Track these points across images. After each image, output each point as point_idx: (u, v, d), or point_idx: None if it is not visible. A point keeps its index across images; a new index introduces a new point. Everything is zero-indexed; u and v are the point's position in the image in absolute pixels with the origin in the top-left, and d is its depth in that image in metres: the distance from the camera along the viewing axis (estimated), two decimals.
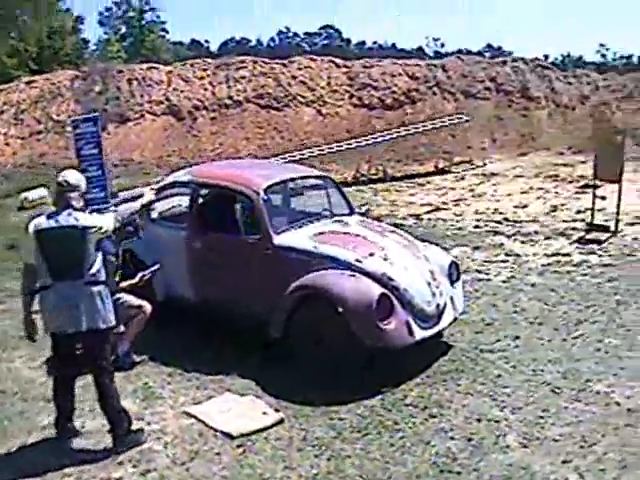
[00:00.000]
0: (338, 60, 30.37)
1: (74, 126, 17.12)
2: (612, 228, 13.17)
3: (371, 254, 7.60)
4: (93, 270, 5.78)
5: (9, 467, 5.83)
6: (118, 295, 7.27)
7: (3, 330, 9.07)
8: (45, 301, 5.86)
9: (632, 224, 13.68)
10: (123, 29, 63.41)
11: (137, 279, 7.91)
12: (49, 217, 5.80)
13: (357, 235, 8.06)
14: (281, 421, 6.42)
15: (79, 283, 5.73)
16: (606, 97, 25.88)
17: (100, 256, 5.91)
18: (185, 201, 8.98)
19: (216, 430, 6.27)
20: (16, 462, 5.91)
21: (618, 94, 25.14)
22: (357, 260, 7.47)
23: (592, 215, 13.69)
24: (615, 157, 12.99)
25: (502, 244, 13.03)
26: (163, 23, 66.89)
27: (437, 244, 9.66)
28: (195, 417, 6.54)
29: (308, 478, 5.54)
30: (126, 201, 8.75)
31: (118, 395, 6.11)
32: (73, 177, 5.98)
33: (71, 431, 6.18)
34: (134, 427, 6.12)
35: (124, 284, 7.73)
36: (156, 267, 8.15)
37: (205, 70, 29.30)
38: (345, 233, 8.09)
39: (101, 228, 5.88)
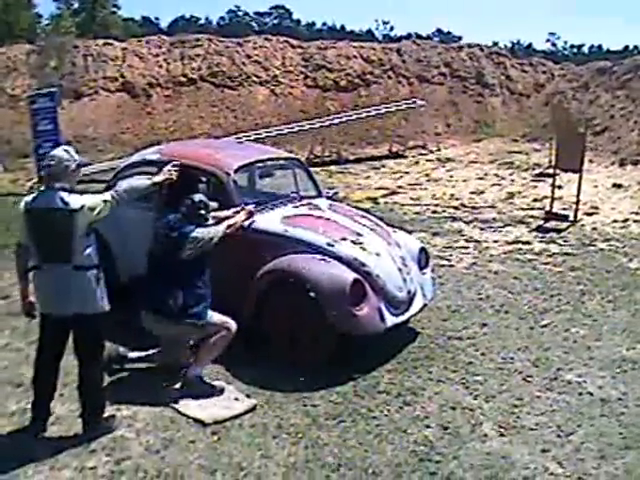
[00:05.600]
0: (293, 41, 30.22)
1: (31, 101, 16.88)
2: (571, 217, 13.28)
3: (343, 238, 7.49)
4: (83, 254, 5.52)
5: None
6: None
7: None
8: (36, 281, 5.63)
9: (590, 214, 13.84)
10: (75, 4, 62.02)
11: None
12: (37, 196, 5.54)
13: (328, 219, 7.93)
14: (254, 408, 6.30)
15: (67, 267, 5.47)
16: (562, 86, 26.06)
17: (93, 239, 5.63)
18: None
19: (188, 417, 6.11)
20: None
21: (574, 84, 25.33)
22: (329, 244, 7.34)
23: (551, 204, 13.79)
24: (576, 147, 13.09)
25: (461, 230, 13.07)
26: None
27: (401, 229, 9.61)
28: (165, 404, 6.37)
29: (286, 466, 5.42)
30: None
31: (101, 384, 5.96)
32: (59, 154, 5.60)
33: (46, 417, 5.90)
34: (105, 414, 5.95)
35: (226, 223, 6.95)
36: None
37: (160, 47, 28.85)
38: (315, 216, 7.95)
39: (93, 209, 5.53)
